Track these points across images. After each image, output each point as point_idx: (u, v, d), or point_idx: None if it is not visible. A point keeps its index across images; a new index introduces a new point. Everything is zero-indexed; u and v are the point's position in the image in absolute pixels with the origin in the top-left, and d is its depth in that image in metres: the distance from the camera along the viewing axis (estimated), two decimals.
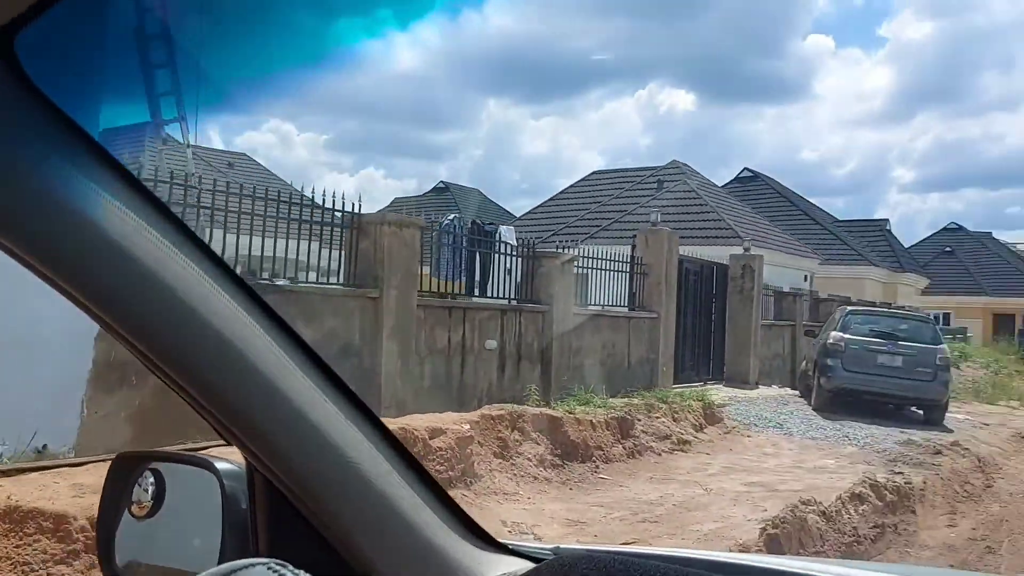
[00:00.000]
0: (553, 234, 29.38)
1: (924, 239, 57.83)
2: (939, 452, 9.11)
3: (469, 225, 9.92)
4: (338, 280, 8.06)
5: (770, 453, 8.99)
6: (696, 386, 15.73)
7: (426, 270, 9.42)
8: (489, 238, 10.05)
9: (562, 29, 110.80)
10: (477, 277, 10.08)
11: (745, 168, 40.84)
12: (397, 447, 0.94)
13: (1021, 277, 53.68)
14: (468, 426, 6.38)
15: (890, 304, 30.19)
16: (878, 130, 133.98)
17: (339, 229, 8.02)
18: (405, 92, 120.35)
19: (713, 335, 17.01)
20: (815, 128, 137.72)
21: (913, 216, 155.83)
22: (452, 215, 9.61)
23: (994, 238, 61.65)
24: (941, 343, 12.32)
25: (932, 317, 13.42)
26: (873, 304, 27.24)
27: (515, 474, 6.52)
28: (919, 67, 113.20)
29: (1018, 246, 68.76)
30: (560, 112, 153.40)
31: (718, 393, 14.58)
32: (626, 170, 32.87)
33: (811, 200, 45.25)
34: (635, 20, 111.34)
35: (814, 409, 12.56)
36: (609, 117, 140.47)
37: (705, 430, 9.65)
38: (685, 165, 30.91)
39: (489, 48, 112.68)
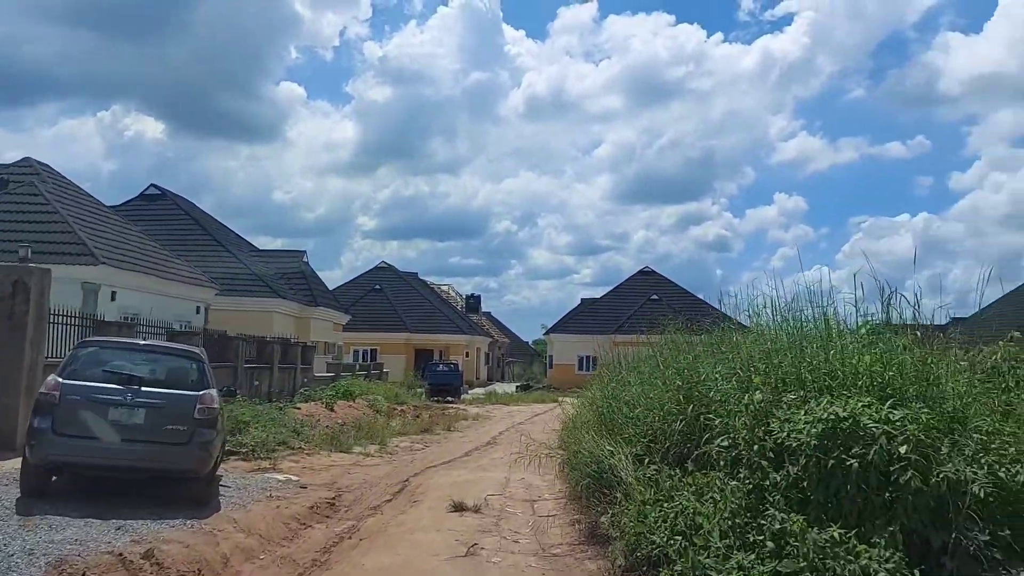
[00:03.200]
0: None
1: (357, 276, 59.00)
2: None
3: None
4: None
5: None
6: None
7: None
8: None
9: (11, 31, 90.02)
10: None
11: (152, 185, 35.71)
12: None
13: (440, 315, 57.87)
14: None
15: (292, 338, 27.70)
16: (346, 179, 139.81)
17: None
18: None
19: None
20: (287, 171, 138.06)
21: (374, 261, 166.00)
22: None
23: (420, 278, 66.01)
24: (208, 387, 8.68)
25: (202, 351, 9.82)
26: (263, 338, 24.18)
27: None
28: (381, 126, 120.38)
29: (442, 288, 75.58)
30: (6, 124, 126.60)
31: None
32: None
33: (240, 232, 41.80)
34: (102, 34, 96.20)
35: (23, 494, 8.03)
36: (66, 136, 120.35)
37: None
38: (44, 166, 24.47)
39: None
